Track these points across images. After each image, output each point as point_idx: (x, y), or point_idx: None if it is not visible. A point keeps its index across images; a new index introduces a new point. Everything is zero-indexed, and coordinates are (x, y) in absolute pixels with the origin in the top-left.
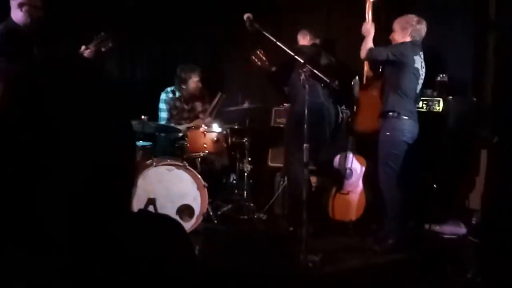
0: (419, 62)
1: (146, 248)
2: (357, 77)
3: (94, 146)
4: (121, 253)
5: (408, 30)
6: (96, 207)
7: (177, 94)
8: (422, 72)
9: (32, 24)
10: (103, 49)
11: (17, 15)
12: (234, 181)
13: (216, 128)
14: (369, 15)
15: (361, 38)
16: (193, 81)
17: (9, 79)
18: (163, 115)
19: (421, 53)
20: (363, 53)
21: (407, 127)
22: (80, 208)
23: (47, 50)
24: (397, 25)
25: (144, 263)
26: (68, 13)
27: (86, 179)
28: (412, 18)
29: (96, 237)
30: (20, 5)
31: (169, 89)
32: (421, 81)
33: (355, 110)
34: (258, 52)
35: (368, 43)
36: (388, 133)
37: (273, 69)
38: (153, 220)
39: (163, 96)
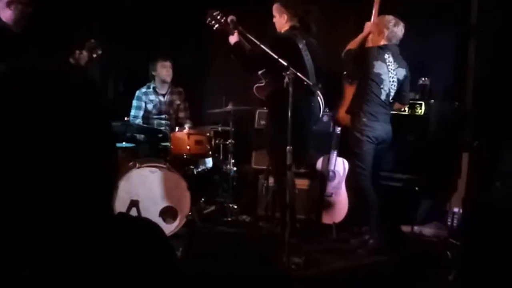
0: (382, 67)
1: (126, 252)
2: (345, 72)
3: (77, 150)
4: (102, 257)
5: (384, 33)
6: (78, 210)
7: (151, 86)
8: (391, 76)
9: (23, 20)
10: (94, 55)
11: (6, 14)
12: (218, 183)
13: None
14: (375, 12)
15: (349, 33)
16: (162, 65)
17: None
18: (132, 112)
19: (388, 56)
20: (343, 52)
21: (365, 127)
22: (63, 212)
23: (38, 51)
24: (373, 27)
25: (125, 267)
26: (62, 14)
27: (70, 183)
28: (389, 20)
29: (77, 241)
30: (8, 4)
31: (144, 86)
32: (388, 87)
33: (339, 103)
34: (215, 14)
35: (352, 43)
36: (352, 132)
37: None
38: (132, 224)
39: (136, 93)
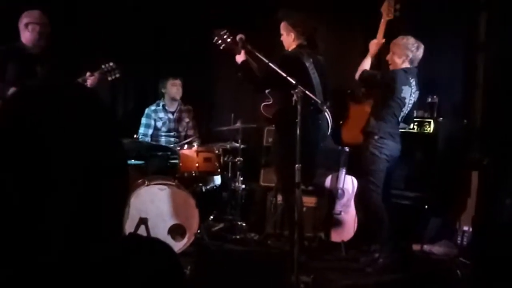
0: (408, 91)
1: (136, 273)
2: (349, 90)
3: (85, 169)
4: (111, 279)
5: (407, 56)
6: (86, 231)
7: (161, 104)
8: (411, 99)
9: (41, 40)
10: (109, 78)
11: (26, 36)
12: (226, 201)
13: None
14: (381, 32)
15: (356, 51)
16: (172, 83)
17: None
18: (140, 130)
19: (412, 80)
20: (357, 74)
21: (385, 146)
22: (72, 232)
23: (49, 73)
24: (396, 48)
25: (135, 286)
26: (81, 39)
27: (80, 202)
28: (412, 43)
29: (85, 264)
30: (26, 25)
31: (153, 104)
32: (406, 109)
33: (344, 122)
34: (222, 33)
35: (365, 64)
36: (368, 151)
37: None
38: (143, 244)
39: (146, 110)
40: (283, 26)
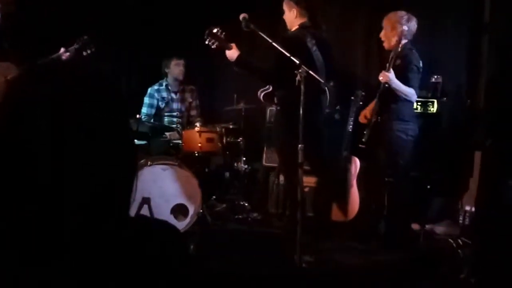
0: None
1: (143, 254)
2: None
3: (99, 153)
4: (121, 259)
5: (399, 29)
6: (99, 213)
7: (164, 84)
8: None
9: (3, 20)
10: (84, 53)
11: None
12: (229, 181)
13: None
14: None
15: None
16: (175, 63)
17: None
18: (143, 109)
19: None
20: (412, 97)
21: (409, 127)
22: (84, 215)
23: (17, 48)
24: (387, 22)
25: (143, 268)
26: (53, 13)
27: (91, 185)
28: (402, 16)
29: (98, 244)
30: None
31: (156, 83)
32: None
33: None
34: (215, 31)
35: (401, 85)
36: (398, 138)
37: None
38: (150, 226)
39: (148, 90)
40: (285, 3)
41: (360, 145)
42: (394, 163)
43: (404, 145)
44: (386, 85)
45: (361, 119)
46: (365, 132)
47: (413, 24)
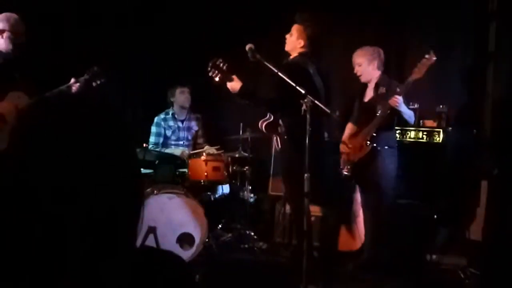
0: None
1: (150, 285)
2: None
3: (105, 182)
4: None
5: (376, 61)
6: (104, 243)
7: (170, 113)
8: None
9: (14, 50)
10: (94, 84)
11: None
12: (235, 210)
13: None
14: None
15: None
16: (180, 91)
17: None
18: (151, 139)
19: None
20: (412, 119)
21: (395, 159)
22: (89, 245)
23: (29, 79)
24: (362, 58)
25: None
26: (63, 44)
27: (96, 215)
28: (374, 50)
29: (103, 275)
30: (1, 32)
31: (162, 112)
32: None
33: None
34: (218, 63)
35: (406, 108)
36: (390, 165)
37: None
38: (156, 256)
39: (155, 119)
40: (297, 29)
41: (345, 175)
42: (386, 190)
43: (394, 173)
44: (388, 111)
45: (343, 148)
46: (346, 162)
47: (383, 55)
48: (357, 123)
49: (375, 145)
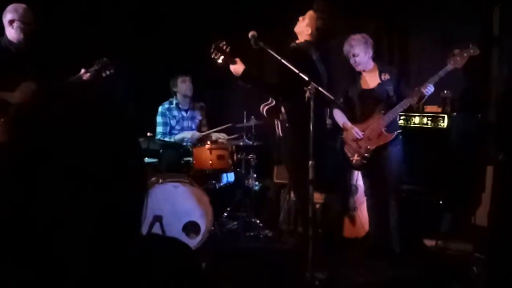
0: None
1: (156, 274)
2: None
3: (109, 172)
4: (133, 278)
5: (370, 50)
6: (109, 233)
7: (174, 102)
8: None
9: (25, 40)
10: (103, 75)
11: (10, 32)
12: (240, 198)
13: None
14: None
15: None
16: (182, 80)
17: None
18: (159, 129)
19: None
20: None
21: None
22: (94, 234)
23: (42, 69)
24: (358, 49)
25: (155, 286)
26: (72, 35)
27: (100, 204)
28: (365, 36)
29: (109, 262)
30: (10, 22)
31: (166, 102)
32: None
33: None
34: (221, 45)
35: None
36: (396, 151)
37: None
38: (162, 244)
39: (159, 109)
40: (311, 16)
41: (362, 163)
42: (397, 177)
43: (400, 159)
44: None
45: (351, 136)
46: (359, 150)
47: (371, 40)
48: (360, 111)
49: (399, 131)
